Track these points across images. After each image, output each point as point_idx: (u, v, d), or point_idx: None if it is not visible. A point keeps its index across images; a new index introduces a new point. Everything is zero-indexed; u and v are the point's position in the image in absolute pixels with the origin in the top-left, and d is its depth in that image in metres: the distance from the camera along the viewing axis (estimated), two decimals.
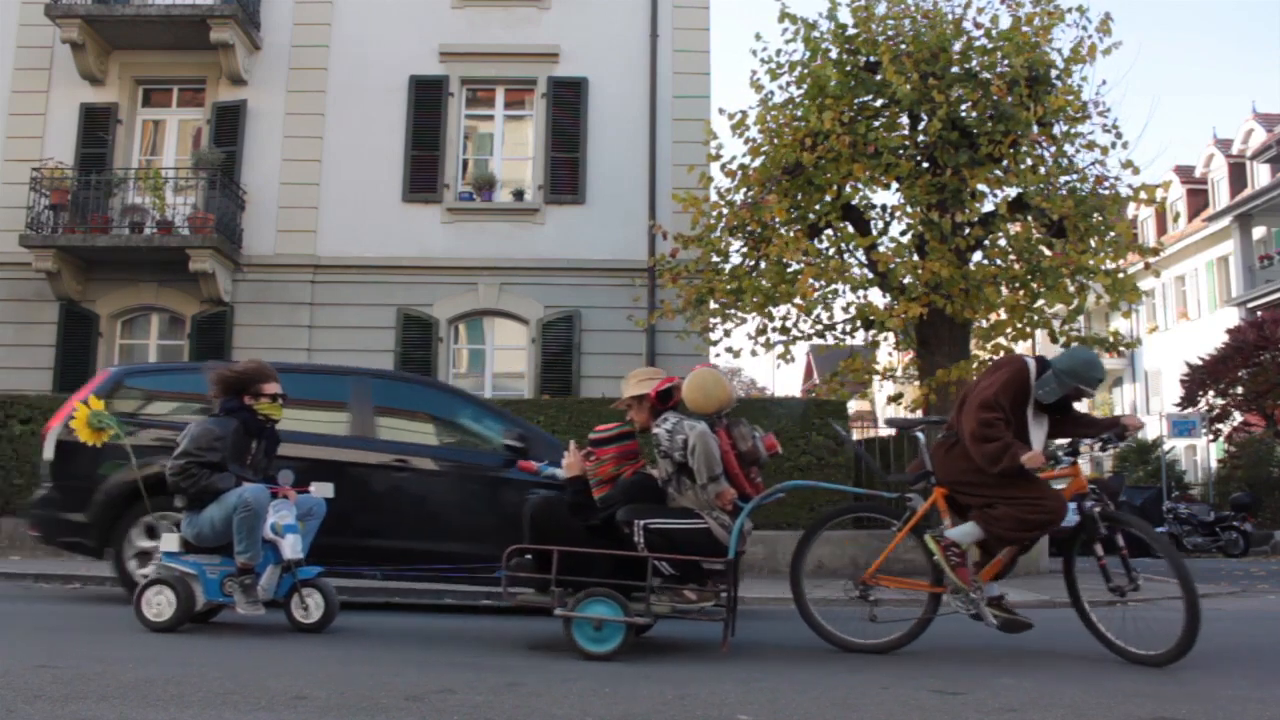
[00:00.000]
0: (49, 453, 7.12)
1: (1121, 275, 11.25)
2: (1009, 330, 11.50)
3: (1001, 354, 11.80)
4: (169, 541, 5.48)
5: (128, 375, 7.75)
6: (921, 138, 11.26)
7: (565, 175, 14.12)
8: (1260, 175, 27.67)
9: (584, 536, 4.80)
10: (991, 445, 4.84)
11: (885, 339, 12.53)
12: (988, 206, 11.35)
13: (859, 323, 11.99)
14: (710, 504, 4.78)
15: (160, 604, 5.23)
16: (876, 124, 11.31)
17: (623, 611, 4.60)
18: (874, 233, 11.52)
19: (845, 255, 11.78)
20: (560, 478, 5.15)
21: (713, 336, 12.36)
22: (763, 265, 11.35)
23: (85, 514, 6.83)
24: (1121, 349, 13.73)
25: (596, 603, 4.62)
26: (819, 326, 12.29)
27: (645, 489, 4.96)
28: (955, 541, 5.00)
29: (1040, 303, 11.30)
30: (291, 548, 5.37)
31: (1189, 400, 23.17)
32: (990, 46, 11.22)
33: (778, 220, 11.26)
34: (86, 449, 6.16)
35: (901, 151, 10.95)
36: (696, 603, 4.79)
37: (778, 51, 11.92)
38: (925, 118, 11.12)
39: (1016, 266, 10.96)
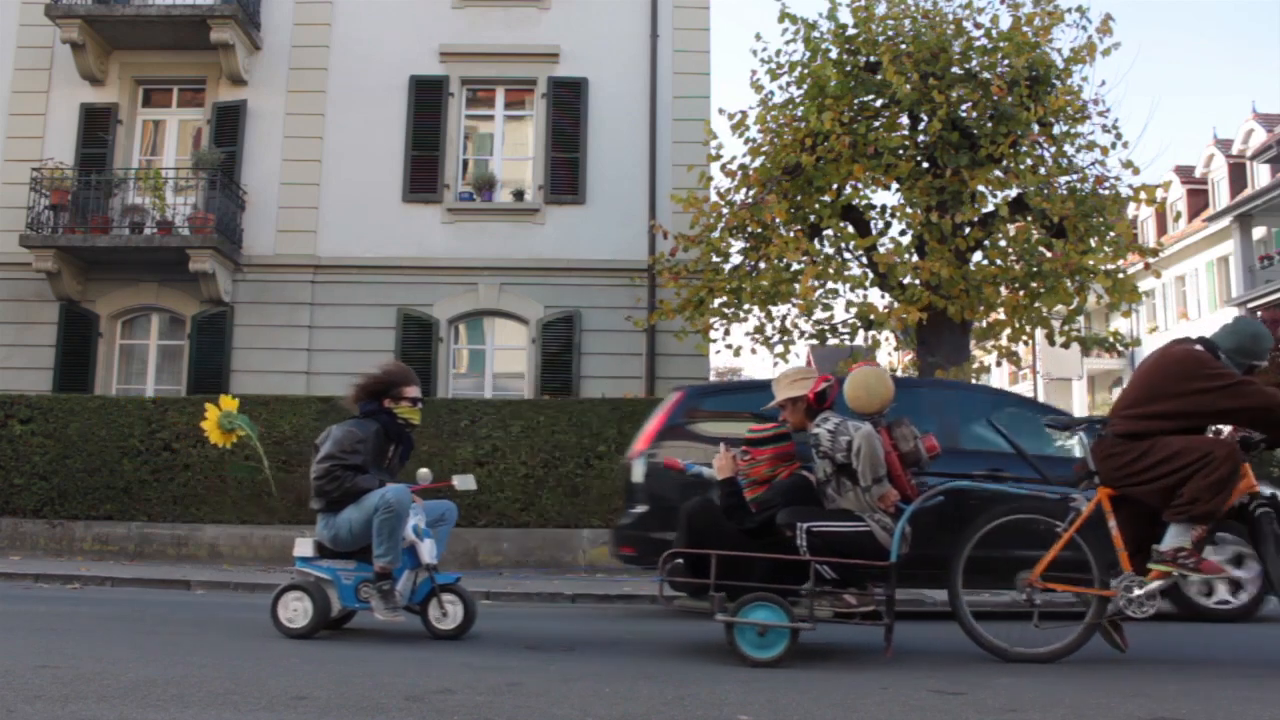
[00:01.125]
0: (638, 475, 7.15)
1: (1121, 276, 11.26)
2: (1008, 330, 11.51)
3: (999, 354, 11.81)
4: (302, 546, 5.36)
5: (700, 397, 7.72)
6: (922, 138, 11.26)
7: (565, 175, 14.12)
8: (1260, 175, 27.67)
9: (739, 539, 4.70)
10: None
11: (885, 339, 12.54)
12: (988, 207, 11.36)
13: (859, 323, 12.00)
14: (872, 506, 4.67)
15: (296, 610, 5.12)
16: (876, 124, 11.31)
17: (787, 617, 4.47)
18: (874, 233, 11.52)
19: (845, 255, 11.79)
20: (707, 477, 5.13)
21: (713, 336, 12.37)
22: (762, 265, 11.35)
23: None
24: (1120, 349, 13.73)
25: (760, 608, 4.48)
26: (819, 327, 12.31)
27: (803, 491, 4.86)
28: (1176, 548, 4.61)
29: (1039, 303, 11.29)
30: (429, 552, 5.24)
31: None
32: (990, 46, 11.23)
33: (778, 220, 11.26)
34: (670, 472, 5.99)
35: (901, 152, 10.95)
36: (856, 607, 4.72)
37: (778, 52, 11.95)
38: (925, 118, 11.13)
39: (1016, 267, 10.96)
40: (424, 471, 5.65)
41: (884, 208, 12.14)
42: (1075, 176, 11.31)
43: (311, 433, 10.71)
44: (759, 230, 11.36)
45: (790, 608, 4.50)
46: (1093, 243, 11.10)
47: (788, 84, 11.89)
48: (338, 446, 5.27)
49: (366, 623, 6.02)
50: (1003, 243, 11.32)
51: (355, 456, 5.27)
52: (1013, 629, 4.75)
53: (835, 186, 11.10)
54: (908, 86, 10.63)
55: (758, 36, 12.02)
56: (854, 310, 11.80)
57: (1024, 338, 11.85)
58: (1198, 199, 30.75)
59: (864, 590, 4.76)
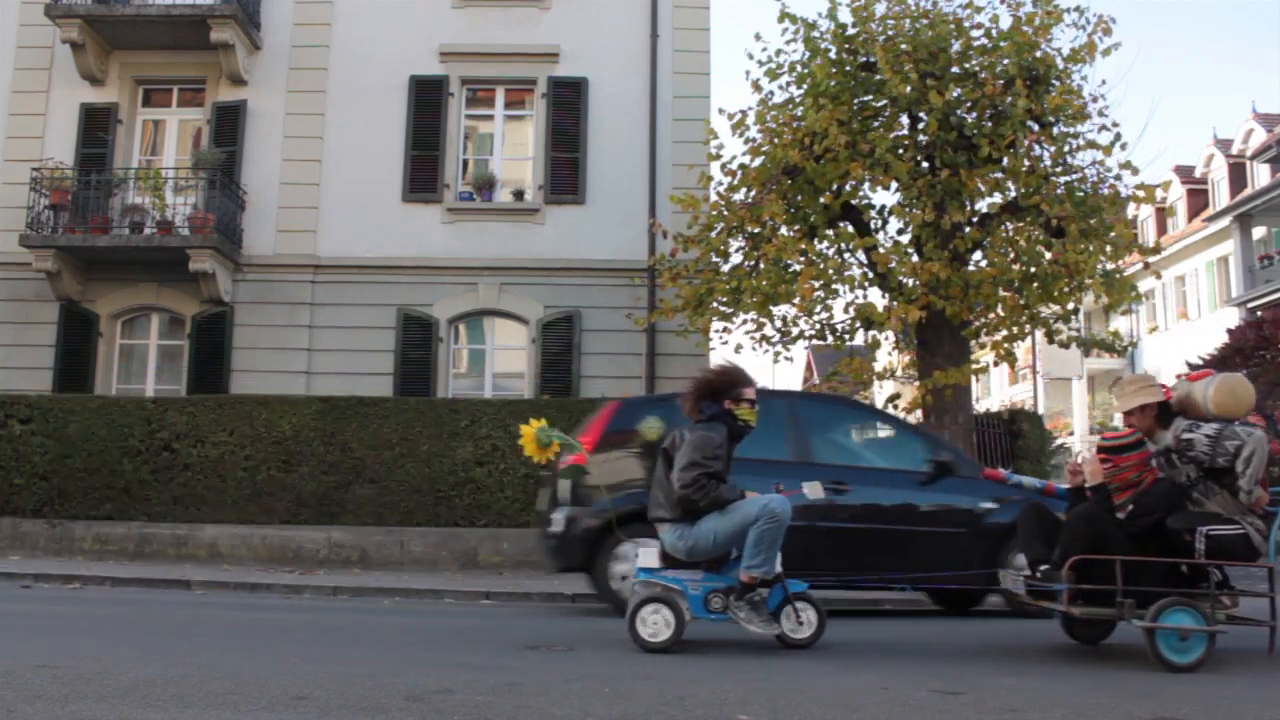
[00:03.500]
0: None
1: (1119, 276, 11.25)
2: (1005, 331, 11.51)
3: (997, 355, 11.81)
4: (647, 556, 5.18)
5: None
6: (921, 138, 11.26)
7: (565, 175, 14.12)
8: (1260, 175, 27.65)
9: (1126, 545, 4.73)
10: None
11: (885, 339, 12.54)
12: (986, 207, 11.35)
13: (858, 323, 12.00)
14: (1246, 509, 4.70)
15: (657, 623, 4.92)
16: (875, 124, 11.31)
17: (1204, 621, 4.51)
18: (873, 233, 11.52)
19: (845, 255, 11.79)
20: (1027, 486, 5.31)
21: (712, 336, 12.37)
22: (762, 265, 11.34)
23: None
24: (1119, 349, 13.74)
25: (1178, 613, 4.50)
26: (819, 327, 12.31)
27: (1178, 495, 4.88)
28: None
29: (1037, 304, 11.29)
30: (778, 560, 5.09)
31: None
32: (990, 46, 11.22)
33: (777, 220, 11.25)
34: None
35: (900, 152, 10.95)
36: (1229, 609, 4.78)
37: (777, 52, 11.93)
38: (924, 118, 11.13)
39: (1015, 268, 10.96)
40: (814, 484, 5.47)
41: (883, 208, 12.15)
42: (1074, 177, 11.30)
43: (312, 433, 10.75)
44: (758, 230, 11.36)
45: (1207, 611, 4.55)
46: (1092, 245, 11.08)
47: (787, 84, 11.89)
48: (700, 453, 5.01)
49: (367, 623, 5.99)
50: (1001, 243, 11.32)
51: (716, 463, 5.04)
52: None
53: (834, 187, 11.09)
54: (906, 87, 10.63)
55: (757, 37, 12.01)
56: (853, 310, 11.81)
57: (1023, 337, 11.85)
58: (1198, 199, 30.72)
59: (1233, 592, 4.86)
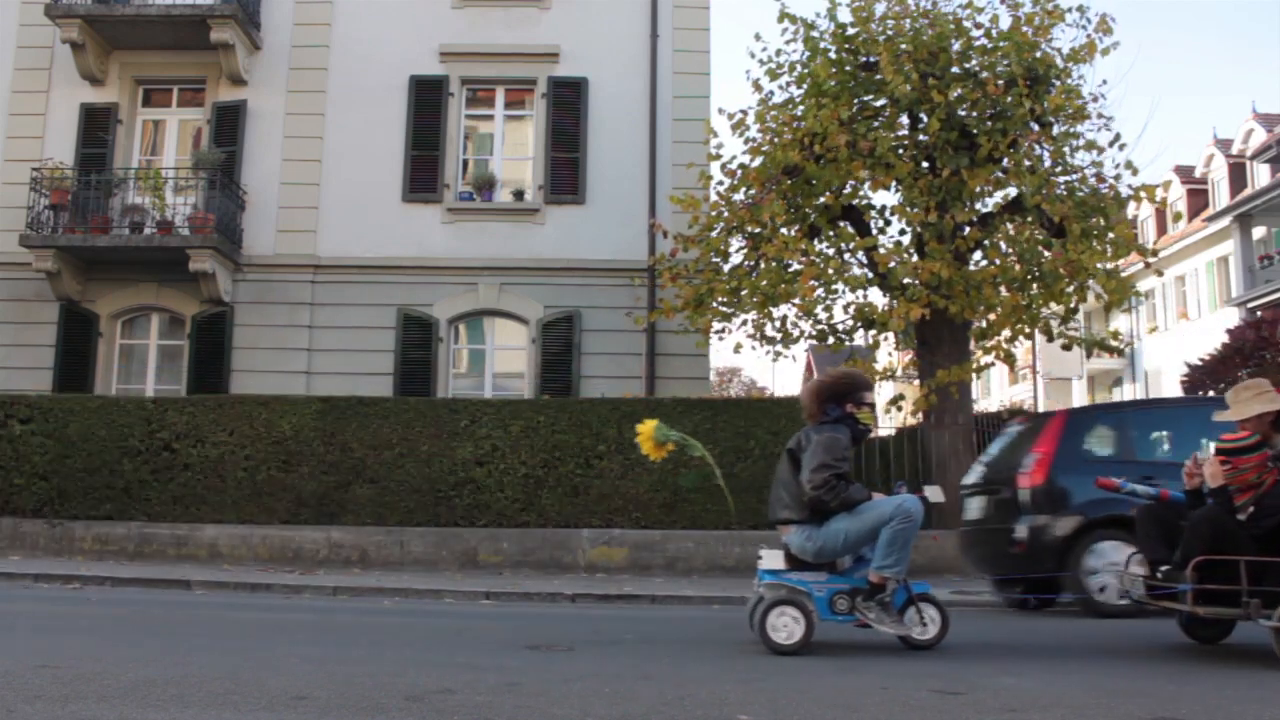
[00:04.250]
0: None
1: (1121, 275, 11.26)
2: (1006, 331, 11.51)
3: (997, 354, 11.83)
4: (772, 558, 5.15)
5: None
6: (922, 138, 11.26)
7: (565, 175, 14.12)
8: (1260, 175, 27.65)
9: (1249, 545, 4.75)
10: None
11: (885, 339, 12.56)
12: (987, 207, 11.36)
13: (859, 323, 12.01)
14: None
15: (788, 625, 4.89)
16: (876, 124, 11.31)
17: None
18: (874, 233, 11.52)
19: (845, 255, 11.79)
20: (1141, 494, 5.29)
21: (713, 335, 12.37)
22: (762, 265, 11.35)
23: None
24: (1120, 349, 13.74)
25: None
26: (819, 327, 12.31)
27: None
28: None
29: (1038, 304, 11.29)
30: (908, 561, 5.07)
31: None
32: (990, 46, 11.22)
33: (777, 220, 11.26)
34: None
35: (901, 151, 10.95)
36: None
37: (777, 52, 11.95)
38: (924, 118, 11.13)
39: (1016, 267, 10.96)
40: (934, 488, 5.42)
41: (884, 208, 12.16)
42: (1075, 177, 11.31)
43: (312, 432, 10.75)
44: (758, 230, 11.37)
45: None
46: (1094, 244, 11.09)
47: (787, 84, 11.89)
48: (830, 455, 5.01)
49: (367, 623, 5.99)
50: (1002, 243, 11.33)
51: (844, 464, 5.04)
52: None
53: (835, 187, 11.09)
54: (907, 86, 10.63)
55: (757, 37, 12.02)
56: (853, 310, 11.82)
57: (1023, 336, 11.86)
58: (1198, 199, 30.72)
59: None
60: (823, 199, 11.31)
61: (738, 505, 10.42)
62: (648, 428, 5.62)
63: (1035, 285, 10.96)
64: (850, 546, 5.03)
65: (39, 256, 13.02)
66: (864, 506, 4.99)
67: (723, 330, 12.29)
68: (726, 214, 11.74)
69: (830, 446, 5.02)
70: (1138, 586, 5.19)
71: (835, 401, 5.25)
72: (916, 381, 12.01)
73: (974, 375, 11.59)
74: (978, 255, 11.48)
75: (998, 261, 10.94)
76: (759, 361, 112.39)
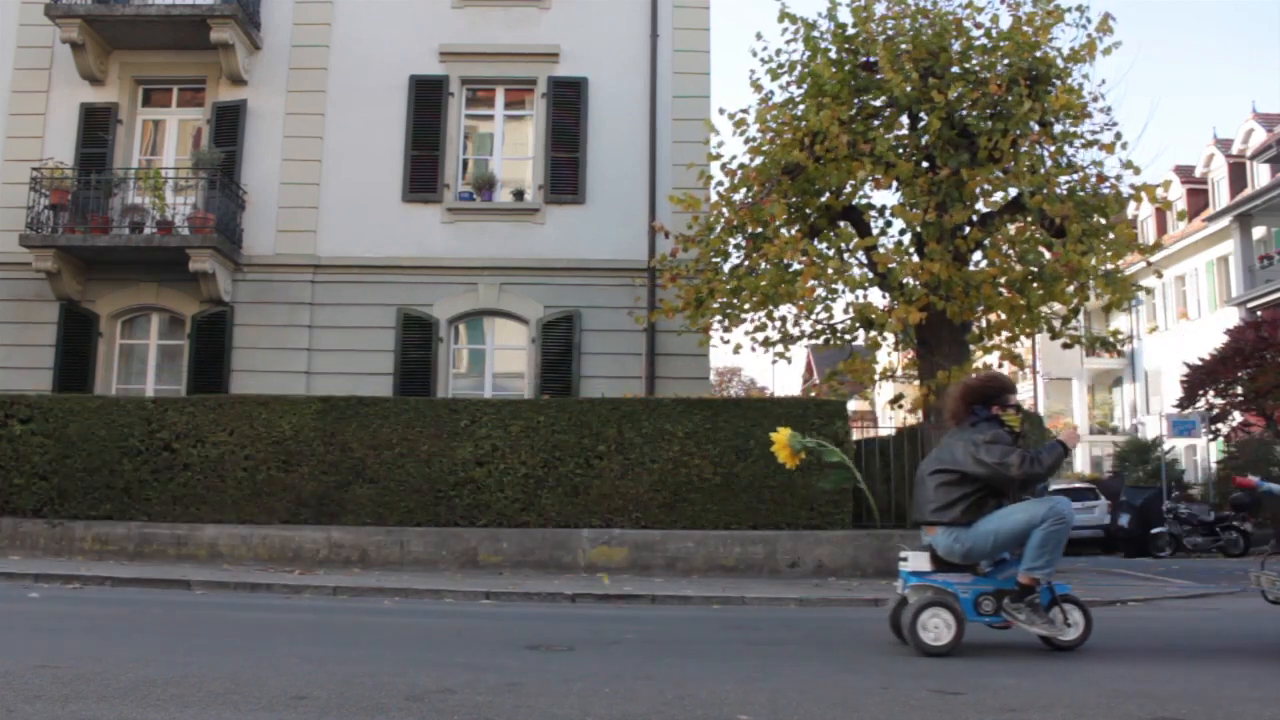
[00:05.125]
0: None
1: (1120, 275, 11.25)
2: (1006, 332, 11.50)
3: (999, 355, 11.84)
4: (917, 560, 5.17)
5: None
6: (922, 138, 11.26)
7: (565, 175, 14.12)
8: (1260, 175, 27.65)
9: None
10: None
11: (885, 339, 12.55)
12: (987, 207, 11.35)
13: (858, 323, 12.00)
14: None
15: (939, 627, 4.92)
16: (876, 123, 11.30)
17: None
18: (874, 233, 11.51)
19: (845, 255, 11.79)
20: (1277, 493, 5.32)
21: (712, 335, 12.37)
22: (762, 265, 11.35)
23: None
24: (1120, 349, 13.74)
25: None
26: (819, 327, 12.30)
27: None
28: None
29: (1038, 304, 11.29)
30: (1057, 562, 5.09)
31: (1189, 400, 23.16)
32: (990, 46, 11.22)
33: (777, 220, 11.25)
34: None
35: (901, 151, 10.95)
36: None
37: (778, 51, 11.95)
38: (925, 117, 11.12)
39: (1016, 268, 10.96)
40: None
41: (884, 208, 12.16)
42: (1075, 177, 11.30)
43: (312, 432, 10.74)
44: (758, 230, 11.36)
45: None
46: (1095, 243, 11.08)
47: (788, 83, 11.89)
48: (993, 456, 5.02)
49: (367, 623, 5.99)
50: (1002, 243, 11.32)
51: (1015, 449, 5.08)
52: None
53: (835, 187, 11.09)
54: (907, 86, 10.63)
55: (758, 36, 12.02)
56: (852, 310, 11.81)
57: (1023, 336, 11.85)
58: (1198, 199, 30.72)
59: None
60: (823, 199, 11.30)
61: (738, 505, 10.47)
62: (782, 436, 5.66)
63: (1035, 286, 10.96)
64: (1000, 548, 5.05)
65: (39, 256, 13.03)
66: (1014, 509, 5.03)
67: (727, 326, 12.25)
68: (726, 214, 11.74)
69: (998, 437, 5.09)
70: (1277, 587, 5.17)
71: (983, 403, 5.33)
72: (917, 382, 12.00)
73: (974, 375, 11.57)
74: (978, 255, 11.47)
75: (997, 262, 10.93)
76: (759, 361, 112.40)
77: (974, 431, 5.17)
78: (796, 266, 11.13)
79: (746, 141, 11.84)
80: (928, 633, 4.88)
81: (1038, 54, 11.09)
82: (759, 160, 11.60)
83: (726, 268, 11.96)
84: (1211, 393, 22.90)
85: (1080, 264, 10.47)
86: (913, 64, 10.77)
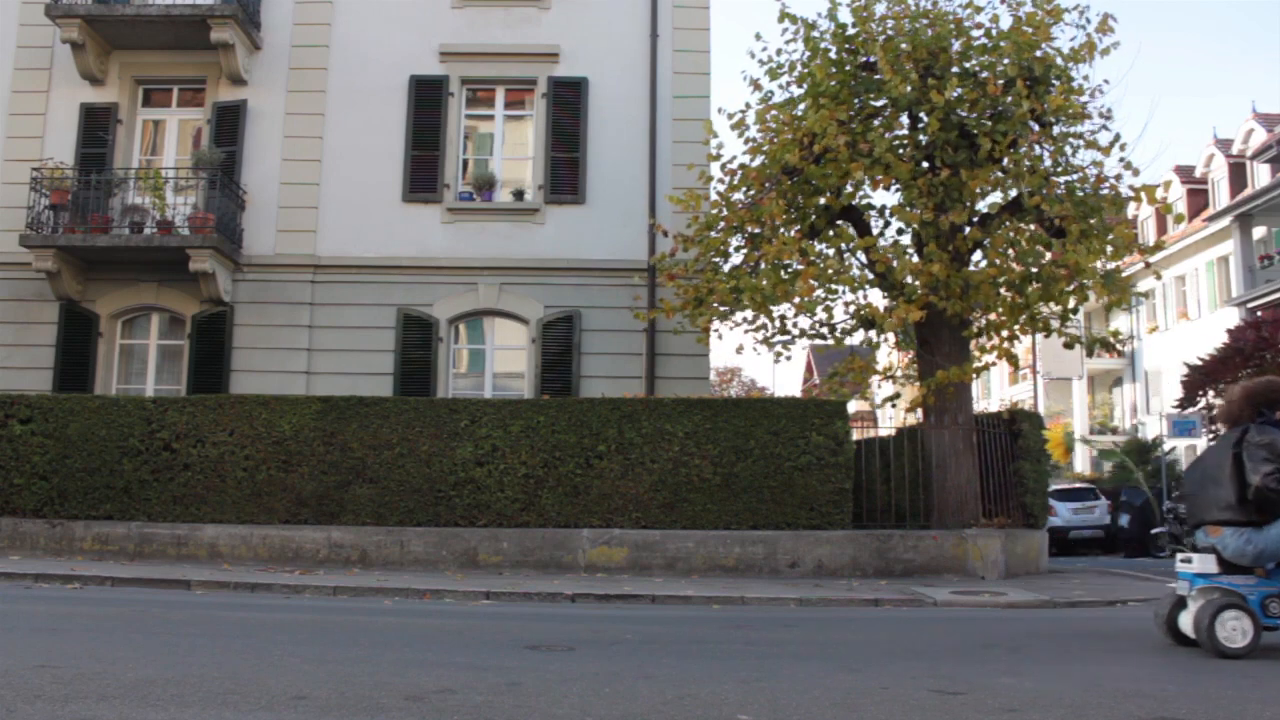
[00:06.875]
0: None
1: (1119, 276, 11.25)
2: (1005, 331, 11.50)
3: (998, 355, 11.85)
4: (1204, 562, 5.15)
5: None
6: (921, 138, 11.26)
7: (565, 175, 14.12)
8: (1260, 175, 27.64)
9: None
10: None
11: (885, 339, 12.54)
12: (986, 207, 11.35)
13: (858, 323, 12.01)
14: None
15: (1236, 629, 4.93)
16: (876, 124, 11.30)
17: None
18: (873, 233, 11.51)
19: (845, 255, 11.79)
20: None
21: (712, 335, 12.38)
22: (762, 265, 11.35)
23: None
24: (1120, 349, 13.74)
25: None
26: (819, 327, 12.30)
27: None
28: None
29: (1037, 304, 11.29)
30: None
31: (1189, 400, 23.16)
32: (990, 46, 11.22)
33: (777, 220, 11.25)
34: None
35: (901, 151, 10.95)
36: None
37: (778, 51, 11.95)
38: (924, 118, 11.12)
39: (1015, 268, 10.96)
40: None
41: (883, 208, 12.16)
42: (1075, 177, 11.30)
43: (312, 432, 10.74)
44: (758, 230, 11.37)
45: None
46: (1094, 244, 11.08)
47: (787, 83, 11.90)
48: (1276, 454, 5.01)
49: (367, 623, 5.98)
50: (1002, 244, 11.32)
51: None
52: None
53: (835, 187, 11.09)
54: (906, 86, 10.63)
55: (758, 36, 12.02)
56: (852, 310, 11.82)
57: (1029, 334, 11.85)
58: (1198, 199, 30.71)
59: None
60: (822, 199, 11.30)
61: (738, 505, 10.47)
62: (1057, 432, 5.63)
63: (1034, 285, 10.96)
64: None
65: (39, 256, 13.03)
66: None
67: (727, 322, 12.24)
68: (726, 214, 11.74)
69: (1275, 446, 5.05)
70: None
71: (1269, 406, 5.32)
72: (916, 383, 12.00)
73: (974, 375, 11.59)
74: (977, 256, 11.48)
75: (997, 262, 10.94)
76: (759, 361, 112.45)
77: (1260, 431, 5.13)
78: (796, 266, 11.14)
79: (746, 142, 11.85)
80: (1226, 632, 4.91)
81: (1037, 54, 11.09)
82: (758, 160, 11.61)
83: (726, 267, 11.96)
84: (1211, 393, 22.90)
85: (1079, 264, 10.47)
86: (912, 64, 10.77)
